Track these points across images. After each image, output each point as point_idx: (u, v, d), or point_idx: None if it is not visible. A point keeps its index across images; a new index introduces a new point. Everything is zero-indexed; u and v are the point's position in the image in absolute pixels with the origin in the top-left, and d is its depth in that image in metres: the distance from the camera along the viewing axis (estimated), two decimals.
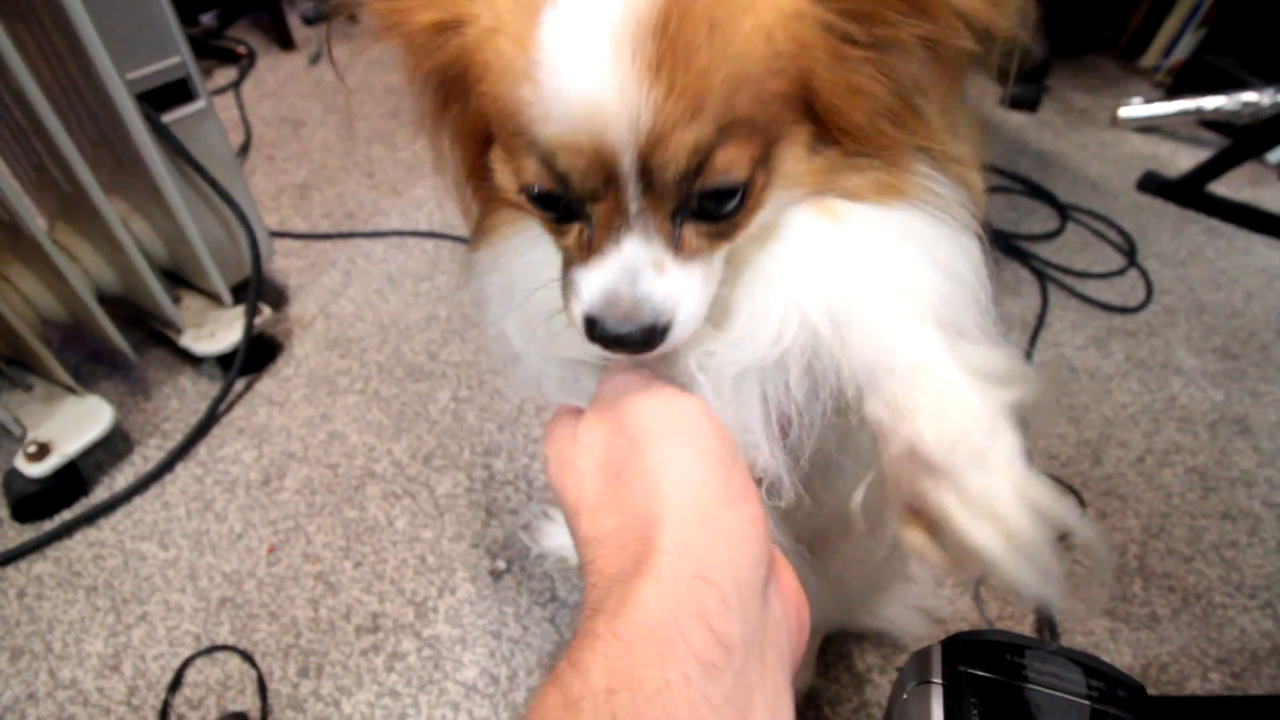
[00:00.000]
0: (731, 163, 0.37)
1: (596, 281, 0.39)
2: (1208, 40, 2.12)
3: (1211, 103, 1.96)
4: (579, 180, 0.37)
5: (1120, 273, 1.59)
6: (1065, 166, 1.89)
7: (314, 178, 1.66)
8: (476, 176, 0.47)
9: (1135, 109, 2.04)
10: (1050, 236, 1.67)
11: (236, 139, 1.73)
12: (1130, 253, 1.64)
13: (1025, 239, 1.63)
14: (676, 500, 0.36)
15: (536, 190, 0.39)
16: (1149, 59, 2.29)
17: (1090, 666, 0.52)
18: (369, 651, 0.94)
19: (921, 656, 0.53)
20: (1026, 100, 2.07)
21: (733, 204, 0.39)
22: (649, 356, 0.41)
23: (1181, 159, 1.90)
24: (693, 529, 0.34)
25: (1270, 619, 1.05)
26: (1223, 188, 1.77)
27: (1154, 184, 1.81)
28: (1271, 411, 1.34)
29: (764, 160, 0.39)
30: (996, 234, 1.63)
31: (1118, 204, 1.77)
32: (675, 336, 0.40)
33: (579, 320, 0.40)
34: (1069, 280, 1.55)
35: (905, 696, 0.51)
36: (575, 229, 0.41)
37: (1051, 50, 2.07)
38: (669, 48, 0.33)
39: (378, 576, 1.01)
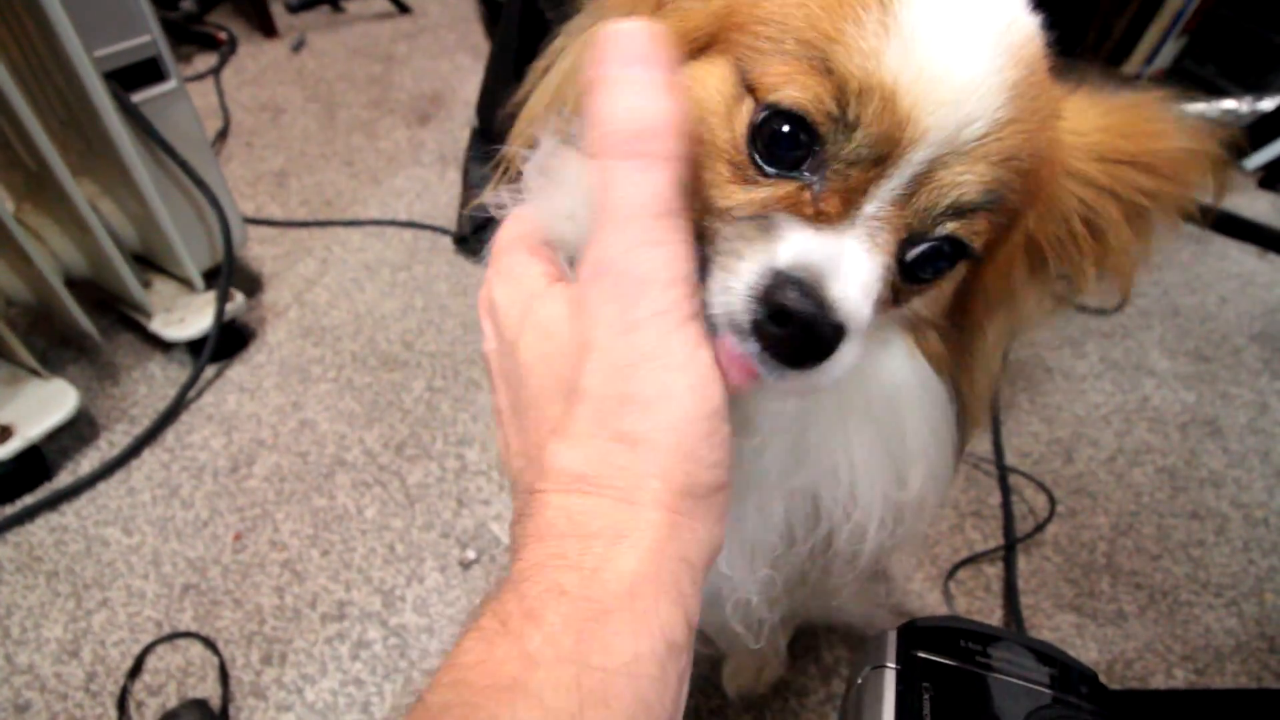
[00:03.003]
0: (980, 230, 0.36)
1: (815, 243, 0.33)
2: (1189, 49, 2.15)
3: (1191, 109, 1.98)
4: (868, 137, 0.32)
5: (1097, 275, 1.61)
6: None
7: (293, 165, 1.65)
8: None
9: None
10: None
11: (215, 125, 1.71)
12: None
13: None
14: (670, 468, 0.31)
15: (793, 114, 0.33)
16: (1131, 66, 2.31)
17: (1046, 654, 0.52)
18: (334, 639, 0.93)
19: (877, 642, 0.53)
20: None
21: (937, 269, 0.37)
22: (792, 380, 0.33)
23: None
24: (683, 501, 0.31)
25: (1235, 617, 1.07)
26: (1201, 193, 1.79)
27: None
28: (1241, 414, 1.35)
29: (993, 264, 0.39)
30: None
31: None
32: (837, 366, 0.33)
33: (756, 269, 0.32)
34: None
35: (859, 681, 0.51)
36: (790, 185, 0.35)
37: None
38: (1029, 90, 0.33)
39: (345, 565, 1.00)
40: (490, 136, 1.43)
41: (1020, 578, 1.06)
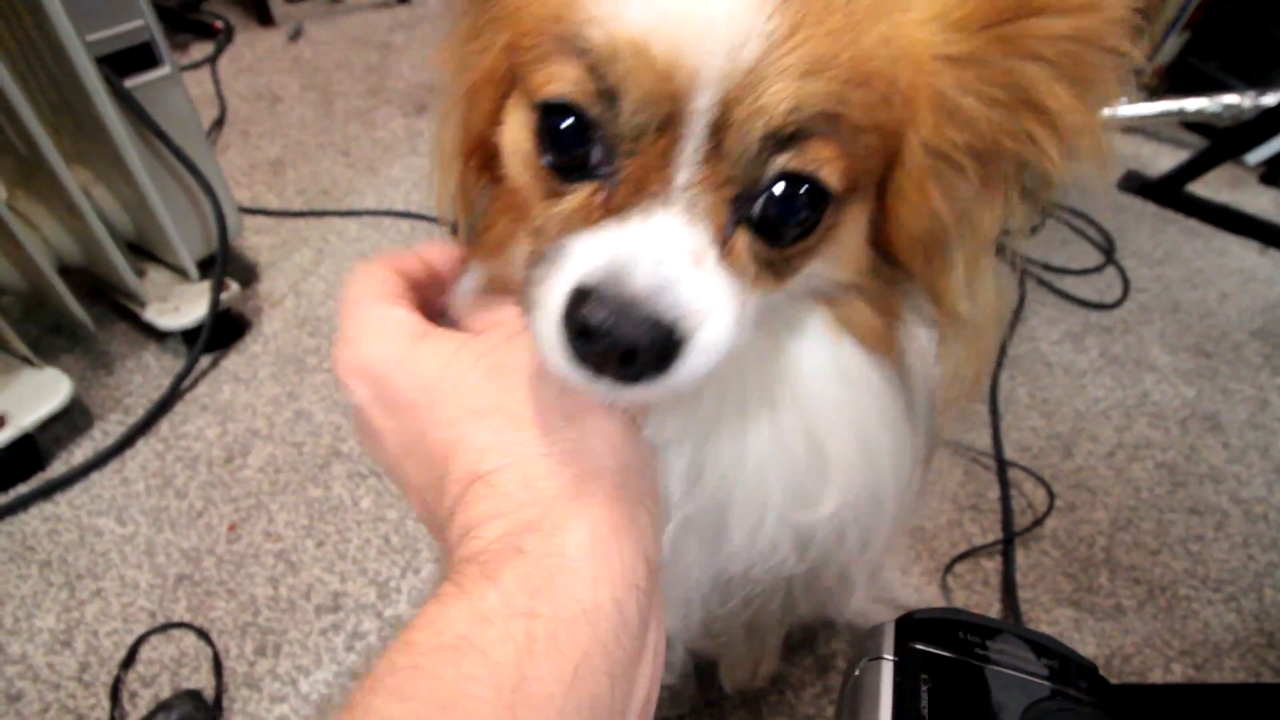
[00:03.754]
0: (823, 160, 0.30)
1: (603, 245, 0.29)
2: (1192, 43, 2.14)
3: (1194, 104, 1.97)
4: (632, 101, 0.29)
5: (1098, 270, 1.60)
6: None
7: (289, 154, 1.63)
8: (481, 150, 0.38)
9: (1118, 109, 2.05)
10: (1029, 231, 1.67)
11: (211, 114, 1.70)
12: (1109, 250, 1.64)
13: (1004, 233, 1.63)
14: (613, 437, 0.34)
15: (560, 105, 0.30)
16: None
17: (1045, 647, 0.51)
18: (329, 631, 0.92)
19: (875, 633, 0.52)
20: None
21: (800, 220, 0.32)
22: (638, 394, 0.30)
23: (1163, 159, 1.91)
24: (634, 459, 0.33)
25: (1234, 612, 1.06)
26: (1202, 189, 1.78)
27: (1134, 183, 1.83)
28: (1241, 409, 1.35)
29: (837, 203, 0.33)
30: None
31: (1098, 202, 1.78)
32: (688, 367, 0.29)
33: (557, 302, 0.29)
34: (1047, 276, 1.55)
35: (857, 673, 0.51)
36: (585, 190, 0.31)
37: None
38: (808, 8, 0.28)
39: (340, 556, 0.99)
40: None
41: (1019, 572, 1.06)
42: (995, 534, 1.10)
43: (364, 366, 0.39)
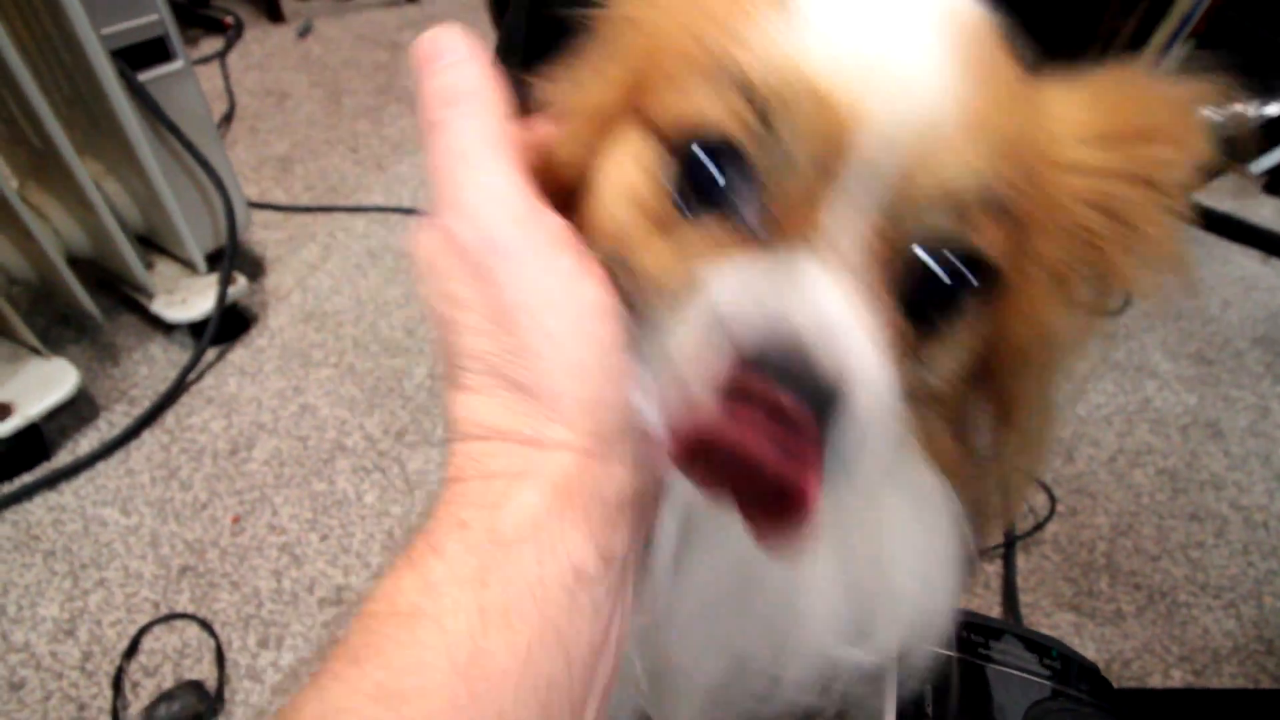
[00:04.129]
0: (990, 240, 0.28)
1: (749, 275, 0.26)
2: (1196, 53, 2.14)
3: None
4: (796, 137, 0.26)
5: None
6: None
7: (297, 150, 1.64)
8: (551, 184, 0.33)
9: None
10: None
11: (220, 109, 1.70)
12: None
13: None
14: (572, 413, 0.29)
15: (706, 136, 0.28)
16: None
17: (1048, 647, 0.52)
18: (331, 624, 0.93)
19: None
20: None
21: (951, 302, 0.29)
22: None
23: None
24: (593, 443, 0.29)
25: (1233, 619, 1.07)
26: (1205, 198, 1.79)
27: None
28: (1242, 417, 1.35)
29: (982, 293, 0.30)
30: None
31: None
32: (856, 425, 0.24)
33: (698, 322, 0.26)
34: None
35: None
36: (714, 222, 0.28)
37: (1040, 58, 2.09)
38: (992, 74, 0.28)
39: (344, 550, 1.00)
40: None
41: (1019, 575, 1.06)
42: (997, 538, 1.10)
43: (482, 243, 0.31)
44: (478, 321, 0.29)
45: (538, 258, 0.29)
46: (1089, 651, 1.01)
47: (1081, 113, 0.32)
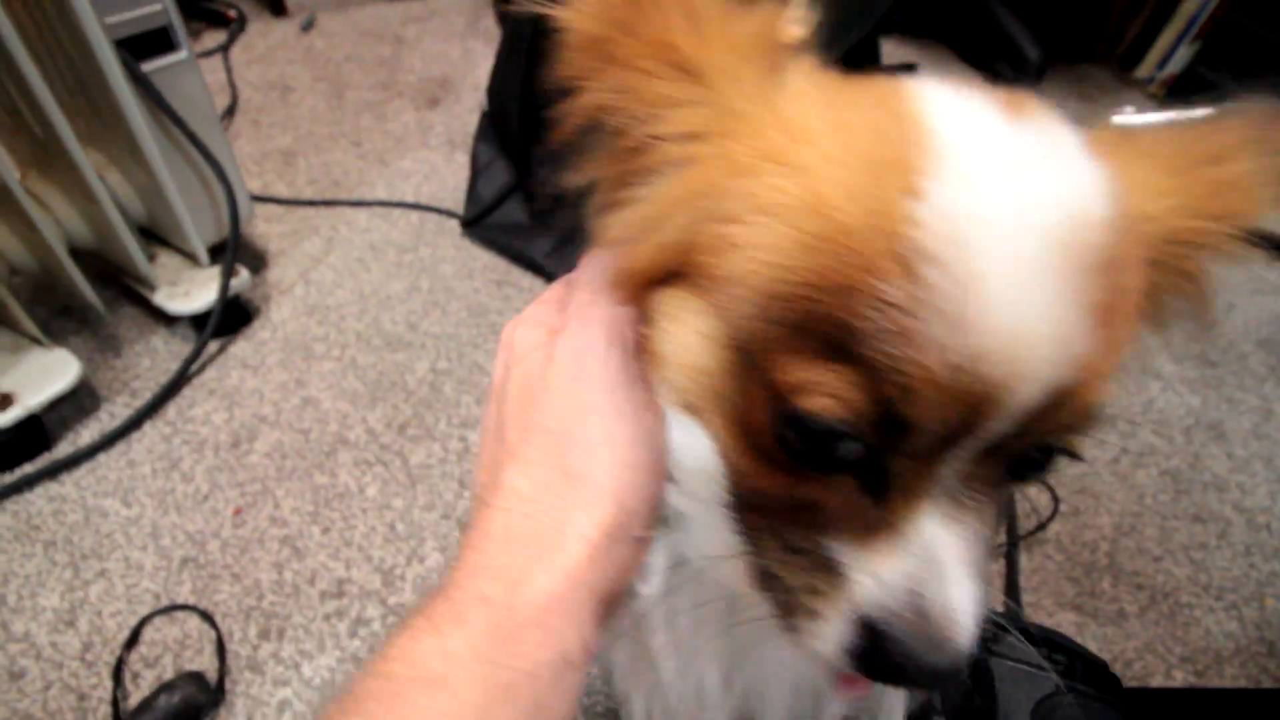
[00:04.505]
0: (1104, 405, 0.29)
1: (892, 573, 0.27)
2: (1202, 53, 2.14)
3: (1202, 114, 1.98)
4: (931, 424, 0.26)
5: None
6: None
7: (300, 144, 1.64)
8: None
9: (1126, 118, 2.06)
10: None
11: (222, 102, 1.70)
12: None
13: None
14: (599, 506, 0.33)
15: (809, 424, 0.27)
16: (1144, 70, 2.31)
17: (1055, 642, 0.52)
18: (332, 616, 0.92)
19: None
20: None
21: (1042, 471, 0.31)
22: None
23: None
24: (603, 539, 0.33)
25: (1235, 620, 1.06)
26: None
27: None
28: (1246, 419, 1.35)
29: None
30: None
31: None
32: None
33: (841, 627, 0.28)
34: None
35: None
36: (842, 486, 0.28)
37: (1047, 57, 2.08)
38: (1111, 289, 0.26)
39: (345, 543, 1.00)
40: (500, 122, 1.42)
41: (1022, 575, 1.06)
42: (1000, 537, 1.10)
43: (511, 338, 0.39)
44: (555, 408, 0.34)
45: (618, 381, 0.34)
46: (1091, 650, 1.01)
47: (1167, 206, 0.31)
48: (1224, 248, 0.32)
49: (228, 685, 0.85)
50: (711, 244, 0.29)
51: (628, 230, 0.32)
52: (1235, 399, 1.39)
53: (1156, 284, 0.32)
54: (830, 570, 0.28)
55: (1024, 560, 1.08)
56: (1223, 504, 1.21)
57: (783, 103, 0.29)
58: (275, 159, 1.60)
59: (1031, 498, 1.16)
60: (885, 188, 0.25)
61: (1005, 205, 0.25)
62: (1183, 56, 2.18)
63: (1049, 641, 0.50)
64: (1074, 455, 0.30)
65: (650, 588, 0.38)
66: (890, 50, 2.17)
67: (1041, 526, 1.11)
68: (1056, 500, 1.14)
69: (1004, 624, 0.52)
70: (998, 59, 2.19)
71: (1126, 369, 0.30)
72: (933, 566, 0.27)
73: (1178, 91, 2.18)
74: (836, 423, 0.26)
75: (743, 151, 0.28)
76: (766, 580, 0.31)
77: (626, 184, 0.32)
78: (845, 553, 0.28)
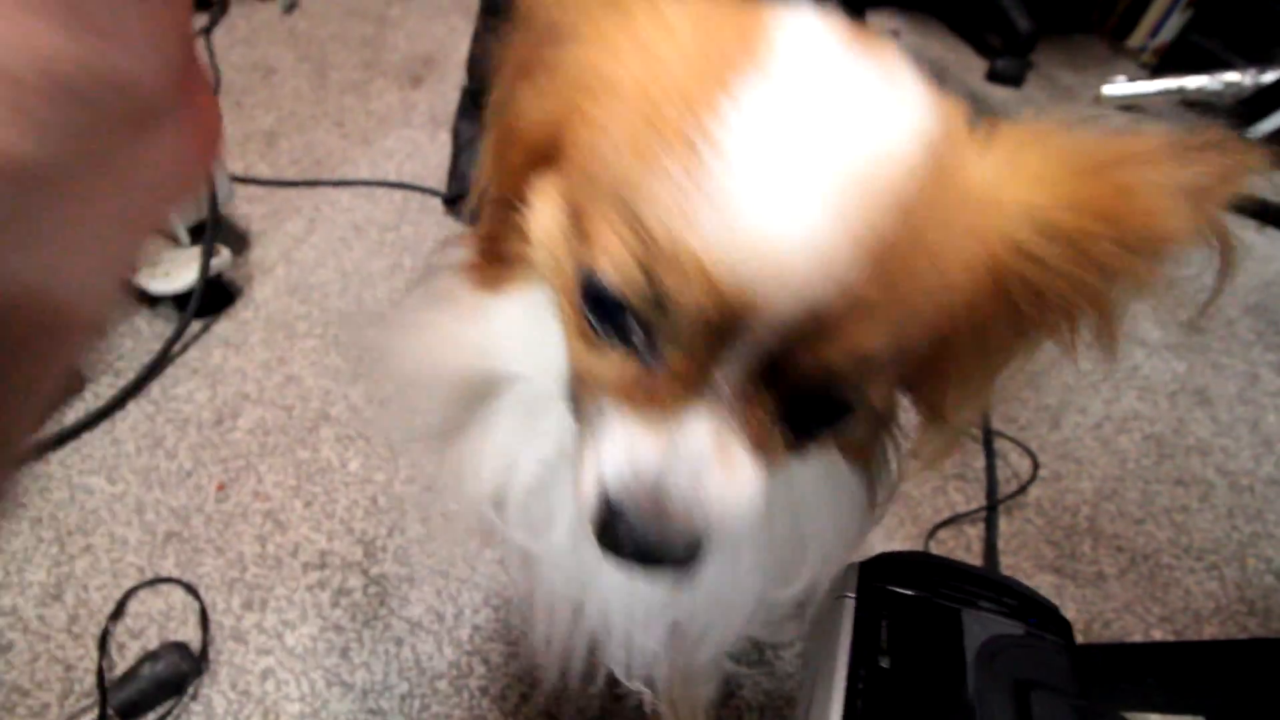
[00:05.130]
0: (873, 389, 0.30)
1: (637, 452, 0.29)
2: (1194, 21, 2.11)
3: (1194, 82, 1.96)
4: (685, 318, 0.27)
5: None
6: None
7: (283, 125, 1.63)
8: (505, 197, 0.35)
9: (1118, 87, 2.04)
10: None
11: None
12: None
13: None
14: None
15: (603, 290, 0.28)
16: (1136, 39, 2.28)
17: (1006, 587, 0.52)
18: (315, 587, 0.93)
19: (842, 574, 0.53)
20: (1010, 75, 2.06)
21: (834, 422, 0.32)
22: (659, 576, 0.31)
23: None
24: None
25: (1215, 580, 1.07)
26: None
27: None
28: (1232, 384, 1.35)
29: (892, 383, 0.33)
30: None
31: None
32: (709, 554, 0.30)
33: (588, 497, 0.30)
34: None
35: (821, 611, 0.51)
36: (620, 356, 0.30)
37: (1039, 27, 2.06)
38: (901, 234, 0.26)
39: (327, 516, 1.01)
40: (479, 96, 1.41)
41: (1001, 538, 1.07)
42: (980, 502, 1.10)
43: None
44: None
45: None
46: (1069, 611, 1.01)
47: (1039, 191, 0.30)
48: (1115, 257, 0.31)
49: (211, 655, 0.86)
50: (573, 119, 0.30)
51: (519, 112, 0.33)
52: (1221, 364, 1.38)
53: (1038, 282, 0.30)
54: (602, 430, 0.30)
55: (1003, 524, 1.08)
56: (1206, 468, 1.21)
57: None
58: (258, 140, 1.59)
59: (1012, 462, 1.16)
60: (707, 79, 0.26)
61: (805, 122, 0.25)
62: (1175, 24, 2.15)
63: (1001, 587, 0.51)
64: (852, 408, 0.31)
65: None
66: (883, 21, 2.15)
67: (1021, 490, 1.11)
68: (1036, 464, 1.14)
69: (960, 569, 0.53)
70: (988, 30, 2.17)
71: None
72: (684, 456, 0.28)
73: (1170, 60, 2.15)
74: (613, 289, 0.28)
75: (614, 35, 0.29)
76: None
77: (528, 74, 0.33)
78: (610, 424, 0.30)
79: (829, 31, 0.28)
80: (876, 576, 0.51)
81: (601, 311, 0.30)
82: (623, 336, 0.30)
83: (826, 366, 0.28)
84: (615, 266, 0.27)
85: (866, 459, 0.40)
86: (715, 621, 0.43)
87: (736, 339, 0.27)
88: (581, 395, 0.32)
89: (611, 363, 0.30)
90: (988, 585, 0.51)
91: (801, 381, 0.29)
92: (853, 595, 0.50)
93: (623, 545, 0.28)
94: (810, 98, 0.25)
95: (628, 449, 0.29)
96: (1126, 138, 0.31)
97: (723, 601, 0.42)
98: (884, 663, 0.45)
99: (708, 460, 0.28)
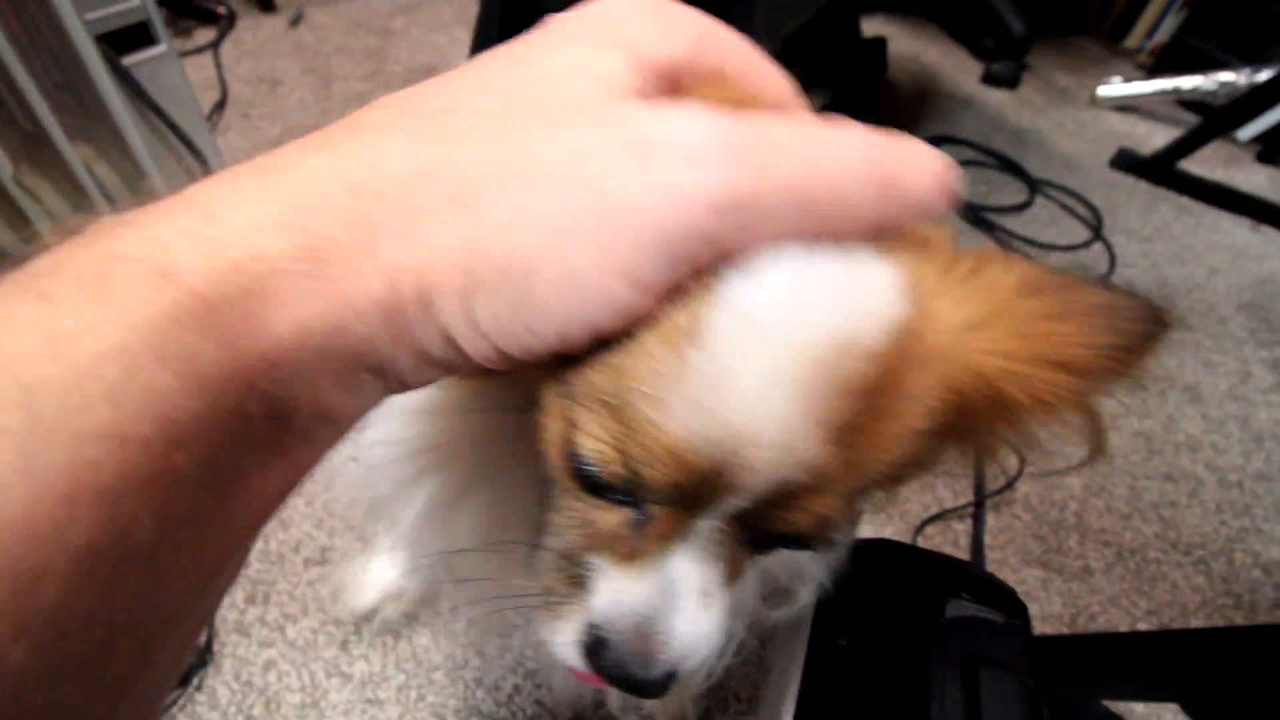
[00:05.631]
0: (842, 520, 0.32)
1: (626, 595, 0.32)
2: (1189, 22, 2.13)
3: (1189, 82, 1.97)
4: (664, 488, 0.29)
5: (1085, 245, 1.61)
6: (1040, 143, 1.90)
7: (289, 135, 1.62)
8: None
9: (1113, 88, 2.05)
10: (1018, 209, 1.68)
11: (213, 97, 1.74)
12: (1096, 226, 1.65)
13: (992, 210, 1.65)
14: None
15: (589, 467, 0.30)
16: (1132, 40, 2.30)
17: (966, 571, 0.54)
18: (316, 582, 0.96)
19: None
20: (1005, 78, 2.08)
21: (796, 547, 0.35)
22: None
23: (1158, 139, 1.91)
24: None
25: (1203, 574, 1.08)
26: (1197, 167, 1.79)
27: (1126, 161, 1.83)
28: (1223, 381, 1.36)
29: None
30: (963, 204, 1.65)
31: (1089, 180, 1.79)
32: (690, 675, 0.33)
33: (576, 629, 0.33)
34: (1034, 252, 1.56)
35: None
36: (613, 516, 0.33)
37: (1033, 29, 2.08)
38: (865, 412, 0.27)
39: (329, 513, 1.04)
40: None
41: (989, 534, 1.08)
42: (967, 498, 1.12)
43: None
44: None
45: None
46: (1055, 605, 1.03)
47: (977, 339, 0.31)
48: (1041, 397, 0.32)
49: (215, 647, 0.89)
50: None
51: None
52: (1213, 361, 1.40)
53: (972, 413, 0.31)
54: (584, 584, 0.33)
55: (991, 520, 1.10)
56: (1195, 463, 1.22)
57: None
58: (265, 150, 1.60)
59: (1001, 460, 1.18)
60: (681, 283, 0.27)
61: (775, 317, 0.26)
62: (1171, 25, 2.17)
63: (960, 571, 0.53)
64: (824, 544, 0.34)
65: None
66: (878, 28, 2.17)
67: (1009, 485, 1.13)
68: (1023, 462, 1.16)
69: (920, 554, 0.55)
70: (984, 34, 2.19)
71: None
72: (667, 597, 0.31)
73: (1166, 60, 2.16)
74: (591, 465, 0.30)
75: None
76: (537, 573, 0.36)
77: None
78: (602, 571, 0.33)
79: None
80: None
81: (586, 485, 0.32)
82: (608, 497, 0.32)
83: (794, 525, 0.30)
84: (593, 447, 0.29)
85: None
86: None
87: (710, 505, 0.30)
88: (563, 560, 0.35)
89: (605, 520, 0.33)
90: (947, 571, 0.53)
91: (773, 532, 0.32)
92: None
93: (608, 672, 0.32)
94: (781, 292, 0.26)
95: (615, 587, 0.32)
96: (1070, 292, 0.32)
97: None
98: (842, 641, 0.47)
99: (689, 601, 0.32)
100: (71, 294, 0.20)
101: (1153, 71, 2.16)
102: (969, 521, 1.10)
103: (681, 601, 0.32)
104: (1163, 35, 2.20)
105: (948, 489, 1.13)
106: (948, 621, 0.49)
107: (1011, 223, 1.63)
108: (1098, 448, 0.37)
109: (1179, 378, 1.35)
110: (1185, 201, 1.78)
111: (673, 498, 0.30)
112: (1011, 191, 1.72)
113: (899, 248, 0.29)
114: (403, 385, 0.26)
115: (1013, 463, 1.18)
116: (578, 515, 0.34)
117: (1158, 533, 1.12)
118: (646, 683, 0.31)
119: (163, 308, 0.20)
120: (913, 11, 2.31)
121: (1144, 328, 0.32)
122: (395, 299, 0.23)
